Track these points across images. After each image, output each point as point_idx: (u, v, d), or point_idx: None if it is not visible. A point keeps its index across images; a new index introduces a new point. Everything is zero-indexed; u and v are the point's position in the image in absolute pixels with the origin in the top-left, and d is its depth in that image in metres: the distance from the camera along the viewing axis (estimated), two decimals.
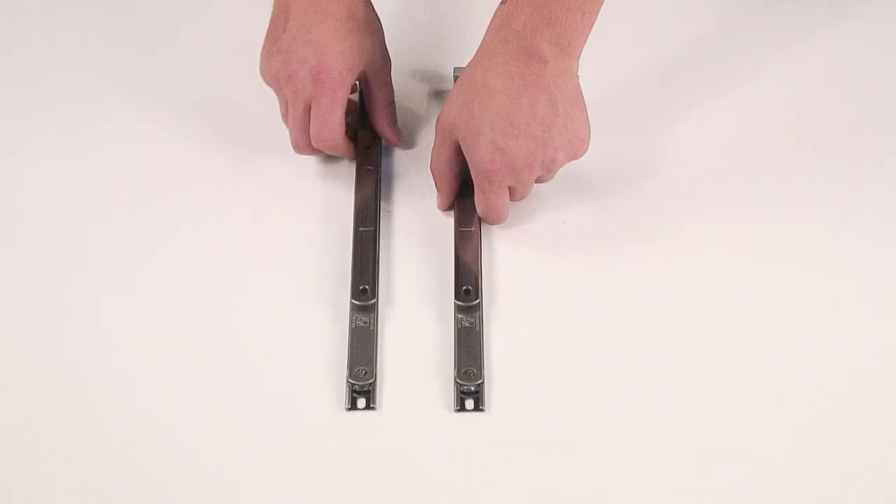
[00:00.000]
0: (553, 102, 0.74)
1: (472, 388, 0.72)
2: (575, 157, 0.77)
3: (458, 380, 0.73)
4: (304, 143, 0.83)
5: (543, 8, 0.72)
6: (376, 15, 0.84)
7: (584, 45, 0.74)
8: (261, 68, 0.82)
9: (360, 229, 0.81)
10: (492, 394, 0.73)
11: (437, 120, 0.79)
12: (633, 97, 0.91)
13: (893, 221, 0.83)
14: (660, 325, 0.76)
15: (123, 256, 0.81)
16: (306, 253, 0.81)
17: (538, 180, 0.79)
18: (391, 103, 0.86)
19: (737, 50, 0.95)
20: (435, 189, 0.82)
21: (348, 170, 0.86)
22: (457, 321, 0.76)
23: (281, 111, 0.83)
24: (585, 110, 0.76)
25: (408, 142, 0.87)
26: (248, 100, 0.88)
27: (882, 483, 0.70)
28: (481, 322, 0.76)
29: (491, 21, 0.75)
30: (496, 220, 0.81)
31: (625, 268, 0.80)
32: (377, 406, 0.72)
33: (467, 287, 0.77)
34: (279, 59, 0.80)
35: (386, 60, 0.84)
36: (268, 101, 0.84)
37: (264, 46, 0.81)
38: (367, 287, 0.77)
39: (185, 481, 0.69)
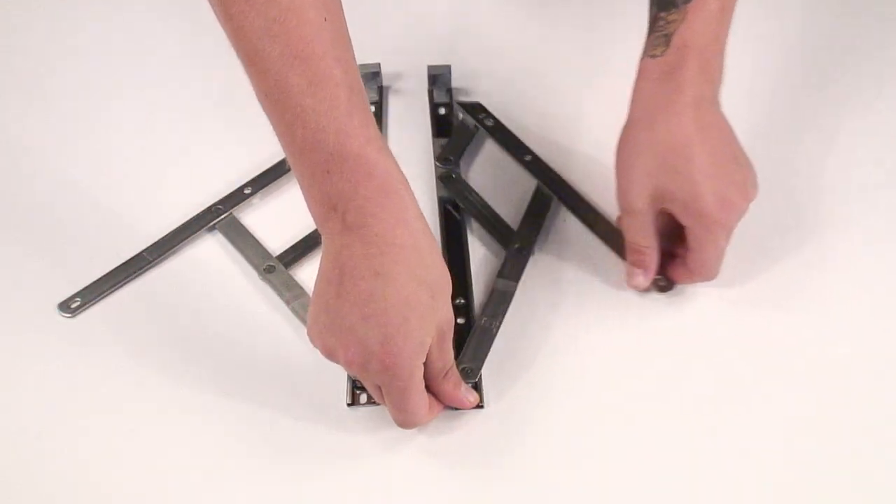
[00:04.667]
0: (737, 142, 0.74)
1: (471, 385, 0.73)
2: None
3: None
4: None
5: (705, 57, 0.72)
6: (442, 261, 0.68)
7: None
8: (310, 336, 0.68)
9: None
10: (490, 390, 0.73)
11: (625, 195, 0.75)
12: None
13: None
14: (658, 323, 0.77)
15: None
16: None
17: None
18: (452, 366, 0.71)
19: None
20: (633, 269, 0.78)
21: None
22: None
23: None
24: None
25: (479, 399, 0.73)
26: None
27: None
28: (482, 320, 0.76)
29: (641, 77, 0.74)
30: (717, 269, 0.77)
31: (623, 265, 0.80)
32: (378, 401, 0.73)
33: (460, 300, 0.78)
34: (334, 335, 0.66)
35: (451, 322, 0.69)
36: None
37: (313, 310, 0.67)
38: None
39: (188, 476, 0.69)
